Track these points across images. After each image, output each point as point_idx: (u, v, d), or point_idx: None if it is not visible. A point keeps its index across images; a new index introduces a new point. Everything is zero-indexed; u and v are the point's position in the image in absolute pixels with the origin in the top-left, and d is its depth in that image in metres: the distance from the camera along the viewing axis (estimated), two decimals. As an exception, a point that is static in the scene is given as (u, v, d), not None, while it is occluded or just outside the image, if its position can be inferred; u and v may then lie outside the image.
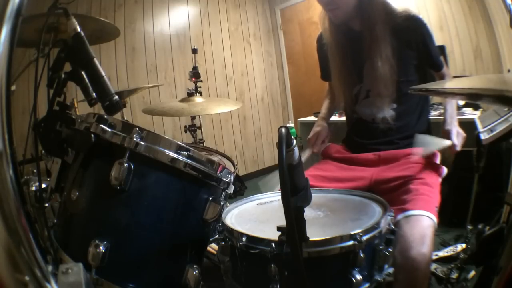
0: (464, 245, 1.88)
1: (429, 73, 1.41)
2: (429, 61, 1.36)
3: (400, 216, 1.05)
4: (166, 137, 0.89)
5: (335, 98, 1.61)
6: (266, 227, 0.89)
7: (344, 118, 1.55)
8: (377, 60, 1.29)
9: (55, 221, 1.00)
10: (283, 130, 0.69)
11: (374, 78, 1.33)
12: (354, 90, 1.42)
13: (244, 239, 0.82)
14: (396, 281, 0.97)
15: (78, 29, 0.95)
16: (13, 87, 1.46)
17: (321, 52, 1.52)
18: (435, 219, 1.04)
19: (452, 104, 1.35)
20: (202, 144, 3.38)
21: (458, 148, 1.21)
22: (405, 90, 1.31)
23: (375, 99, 1.35)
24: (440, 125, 1.32)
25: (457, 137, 1.22)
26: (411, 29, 1.30)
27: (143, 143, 0.85)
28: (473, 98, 1.13)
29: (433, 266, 1.73)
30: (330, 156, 1.45)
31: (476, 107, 2.48)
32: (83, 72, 0.94)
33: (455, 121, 1.29)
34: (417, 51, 1.32)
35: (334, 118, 2.82)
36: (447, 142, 1.20)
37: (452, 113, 1.32)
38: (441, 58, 1.39)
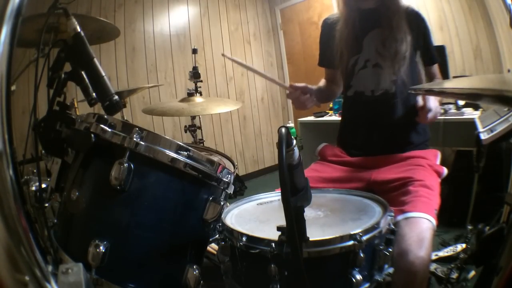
0: (464, 245, 1.88)
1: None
2: (427, 50, 1.36)
3: (399, 217, 1.04)
4: (166, 137, 0.89)
5: (330, 85, 1.58)
6: (266, 227, 0.89)
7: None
8: (390, 28, 1.30)
9: (55, 221, 1.00)
10: (283, 130, 0.69)
11: (376, 46, 1.33)
12: (350, 61, 1.39)
13: (244, 239, 0.82)
14: (394, 283, 0.97)
15: (78, 29, 0.95)
16: (13, 87, 1.46)
17: (325, 31, 1.50)
18: (434, 221, 1.03)
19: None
20: (202, 144, 3.38)
21: (430, 116, 1.14)
22: (408, 69, 1.31)
23: (374, 68, 1.34)
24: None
25: (431, 103, 1.15)
26: (415, 18, 1.34)
27: (143, 143, 0.85)
28: (473, 98, 1.12)
29: (433, 266, 1.73)
30: (326, 159, 1.44)
31: (476, 107, 2.47)
32: (83, 72, 0.94)
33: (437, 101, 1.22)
34: (417, 39, 1.33)
35: (334, 118, 2.83)
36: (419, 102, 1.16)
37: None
38: (437, 54, 1.40)
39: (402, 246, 0.96)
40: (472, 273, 1.58)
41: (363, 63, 1.37)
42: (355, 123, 1.44)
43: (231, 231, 0.86)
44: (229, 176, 1.00)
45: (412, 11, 1.35)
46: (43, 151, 1.03)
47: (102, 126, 0.86)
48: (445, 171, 1.28)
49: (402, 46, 1.29)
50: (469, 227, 1.87)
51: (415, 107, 1.28)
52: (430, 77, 1.40)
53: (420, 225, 1.00)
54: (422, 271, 0.96)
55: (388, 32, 1.30)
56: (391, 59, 1.30)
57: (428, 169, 1.23)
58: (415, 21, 1.33)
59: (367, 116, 1.37)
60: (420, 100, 1.19)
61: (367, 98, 1.36)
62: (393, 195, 1.14)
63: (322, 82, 1.58)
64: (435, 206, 1.09)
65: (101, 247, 0.81)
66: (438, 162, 1.31)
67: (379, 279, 0.83)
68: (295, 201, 0.68)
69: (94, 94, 0.94)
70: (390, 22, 1.30)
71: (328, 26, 1.48)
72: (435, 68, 1.40)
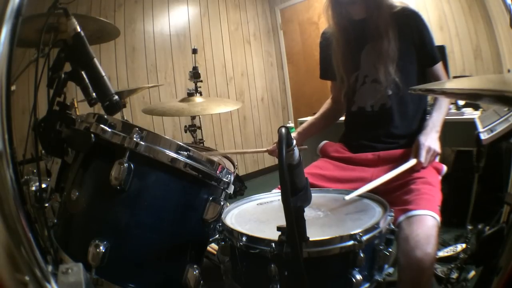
0: (464, 245, 1.88)
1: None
2: (424, 50, 1.32)
3: (402, 217, 1.04)
4: (166, 137, 0.89)
5: (334, 101, 1.60)
6: (266, 227, 0.89)
7: (343, 118, 1.55)
8: (380, 40, 1.29)
9: (55, 221, 1.00)
10: (283, 130, 0.69)
11: (372, 60, 1.32)
12: (351, 78, 1.40)
13: (244, 239, 0.82)
14: (401, 282, 0.97)
15: (78, 29, 0.95)
16: (13, 87, 1.46)
17: (324, 45, 1.51)
18: (438, 218, 1.04)
19: (441, 109, 1.31)
20: (202, 144, 3.38)
21: (425, 165, 1.18)
22: (403, 76, 1.30)
23: (372, 84, 1.34)
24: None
25: (427, 153, 1.18)
26: (408, 18, 1.31)
27: (143, 143, 0.85)
28: (473, 98, 1.12)
29: (433, 266, 1.72)
30: (328, 155, 1.44)
31: (476, 107, 2.47)
32: (83, 72, 0.94)
33: (435, 132, 1.24)
34: (413, 39, 1.31)
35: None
36: (411, 163, 1.16)
37: (436, 121, 1.27)
38: (438, 53, 1.36)
39: (410, 243, 0.97)
40: (472, 273, 1.58)
41: (362, 80, 1.38)
42: (356, 134, 1.44)
43: (231, 231, 0.86)
44: (229, 176, 1.00)
45: (404, 11, 1.31)
46: (43, 151, 1.03)
47: (102, 126, 0.86)
48: (444, 168, 1.29)
49: (395, 57, 1.28)
50: (469, 227, 1.87)
51: (413, 113, 1.33)
52: (435, 80, 1.35)
53: (426, 222, 1.01)
54: (430, 268, 0.97)
55: (379, 47, 1.29)
56: (386, 73, 1.30)
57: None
58: (408, 21, 1.30)
59: (368, 129, 1.38)
60: (411, 157, 1.19)
61: (368, 113, 1.38)
62: (396, 195, 1.14)
63: (323, 108, 1.61)
64: (438, 202, 1.10)
65: (101, 247, 0.81)
66: (437, 160, 1.31)
67: (379, 279, 0.83)
68: (295, 201, 0.68)
69: (94, 94, 0.94)
70: (380, 34, 1.29)
71: (326, 40, 1.49)
72: (438, 69, 1.35)
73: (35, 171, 1.49)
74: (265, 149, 1.53)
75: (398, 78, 1.30)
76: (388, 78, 1.30)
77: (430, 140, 1.21)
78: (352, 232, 0.76)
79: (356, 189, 1.15)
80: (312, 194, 0.79)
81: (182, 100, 1.93)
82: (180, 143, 0.90)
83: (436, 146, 1.21)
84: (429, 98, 1.56)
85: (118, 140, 0.86)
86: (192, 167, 0.89)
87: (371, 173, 1.26)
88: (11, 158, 0.60)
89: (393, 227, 0.88)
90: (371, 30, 1.32)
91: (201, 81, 3.47)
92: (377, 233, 0.81)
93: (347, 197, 0.97)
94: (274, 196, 1.13)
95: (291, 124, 4.01)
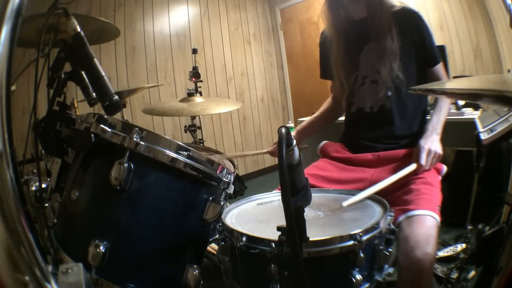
0: (464, 245, 1.88)
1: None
2: (424, 50, 1.31)
3: (402, 217, 1.04)
4: (166, 137, 0.89)
5: (335, 100, 1.60)
6: (266, 227, 0.89)
7: (343, 118, 1.55)
8: (384, 38, 1.28)
9: (55, 221, 1.00)
10: (283, 130, 0.69)
11: (372, 61, 1.32)
12: (350, 79, 1.40)
13: (244, 239, 0.82)
14: (401, 282, 0.98)
15: (78, 29, 0.95)
16: (13, 87, 1.46)
17: (324, 45, 1.51)
18: (438, 218, 1.04)
19: (441, 111, 1.30)
20: (202, 144, 3.38)
21: (427, 168, 1.18)
22: (404, 74, 1.29)
23: (371, 85, 1.34)
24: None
25: (427, 156, 1.19)
26: (408, 18, 1.30)
27: (143, 143, 0.85)
28: (473, 98, 1.12)
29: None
30: (329, 155, 1.44)
31: (476, 107, 2.47)
32: (83, 72, 0.94)
33: (436, 134, 1.25)
34: (413, 39, 1.30)
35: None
36: (411, 167, 1.16)
37: (436, 123, 1.27)
38: (439, 54, 1.35)
39: (410, 243, 0.97)
40: (472, 273, 1.58)
41: (361, 80, 1.38)
42: (356, 134, 1.44)
43: (231, 231, 0.86)
44: (229, 176, 1.00)
45: (405, 11, 1.30)
46: (43, 151, 1.03)
47: (102, 126, 0.86)
48: (444, 168, 1.29)
49: (397, 58, 1.28)
50: (469, 227, 1.87)
51: (412, 114, 1.33)
52: (436, 81, 1.34)
53: (426, 222, 1.01)
54: (430, 268, 0.97)
55: (382, 45, 1.28)
56: (387, 74, 1.29)
57: None
58: (408, 21, 1.30)
59: (368, 129, 1.38)
60: (412, 162, 1.19)
61: (367, 114, 1.38)
62: (396, 195, 1.15)
63: (323, 106, 1.61)
64: (438, 203, 1.10)
65: (101, 247, 0.82)
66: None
67: (379, 279, 0.83)
68: (295, 201, 0.68)
69: (94, 94, 0.94)
70: (383, 32, 1.28)
71: (325, 40, 1.49)
72: (439, 70, 1.34)
73: (35, 171, 1.49)
74: (266, 150, 1.53)
75: (401, 74, 1.29)
76: (392, 75, 1.29)
77: (431, 142, 1.21)
78: (352, 232, 0.76)
79: (356, 190, 1.15)
80: (312, 194, 0.79)
81: (182, 100, 1.93)
82: (180, 143, 0.90)
83: (437, 148, 1.21)
84: (430, 98, 1.56)
85: (118, 140, 0.86)
86: (192, 167, 0.89)
87: (371, 174, 1.26)
88: (11, 158, 0.60)
89: (393, 227, 0.88)
90: (373, 29, 1.31)
91: (201, 81, 3.47)
92: (377, 233, 0.81)
93: (345, 204, 0.97)
94: (274, 196, 1.13)
95: (291, 124, 4.01)
